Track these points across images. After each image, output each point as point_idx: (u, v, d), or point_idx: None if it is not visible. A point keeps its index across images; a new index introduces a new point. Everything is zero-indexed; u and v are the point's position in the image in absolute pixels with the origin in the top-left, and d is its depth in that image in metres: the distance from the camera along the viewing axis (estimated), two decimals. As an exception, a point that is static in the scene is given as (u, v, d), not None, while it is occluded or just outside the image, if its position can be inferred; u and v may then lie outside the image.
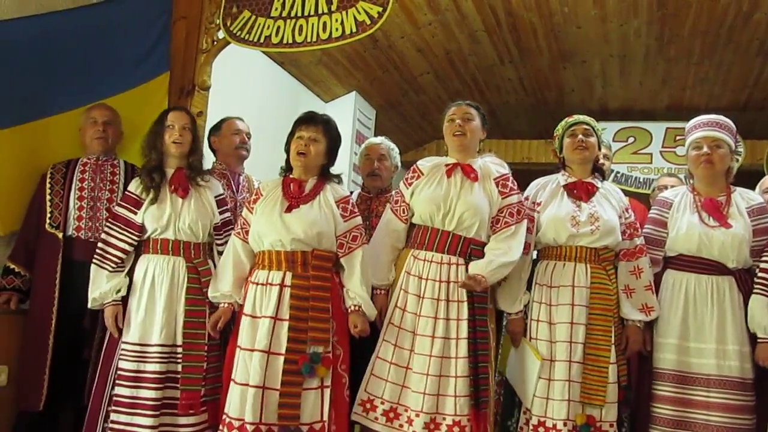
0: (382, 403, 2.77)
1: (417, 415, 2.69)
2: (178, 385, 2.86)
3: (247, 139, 3.65)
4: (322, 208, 2.85)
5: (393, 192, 3.13)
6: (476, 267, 2.80)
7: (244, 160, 3.67)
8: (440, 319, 2.77)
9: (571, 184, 3.04)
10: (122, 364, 2.87)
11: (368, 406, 2.79)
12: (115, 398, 2.85)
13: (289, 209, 2.82)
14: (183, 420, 2.84)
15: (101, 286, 2.94)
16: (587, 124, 3.06)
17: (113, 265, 2.96)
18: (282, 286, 2.73)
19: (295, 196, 2.86)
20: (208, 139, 3.69)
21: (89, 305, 2.97)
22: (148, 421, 2.79)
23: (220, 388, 2.86)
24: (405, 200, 2.97)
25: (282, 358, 2.66)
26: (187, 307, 2.90)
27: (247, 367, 2.67)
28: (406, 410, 2.74)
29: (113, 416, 2.84)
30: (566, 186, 3.04)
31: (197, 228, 2.99)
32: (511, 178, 3.00)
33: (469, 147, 2.99)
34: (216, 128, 3.67)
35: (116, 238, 2.98)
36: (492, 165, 3.00)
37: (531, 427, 2.82)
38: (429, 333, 2.76)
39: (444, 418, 2.70)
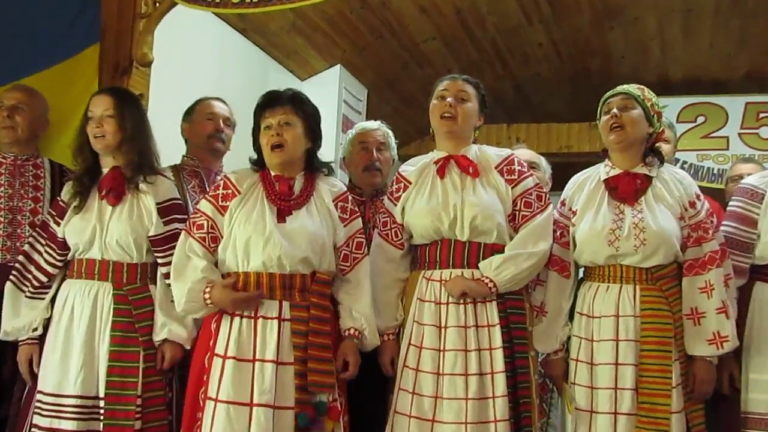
0: None
1: None
2: None
3: (223, 126, 3.69)
4: (320, 213, 2.89)
5: (379, 213, 3.16)
6: (482, 266, 2.86)
7: (219, 154, 3.73)
8: (471, 351, 2.80)
9: (612, 179, 3.00)
10: (36, 420, 2.89)
11: None
12: None
13: (281, 216, 2.83)
14: None
15: (16, 317, 2.99)
16: (627, 93, 2.99)
17: (32, 287, 3.02)
18: (280, 320, 2.75)
19: (284, 199, 2.87)
20: (181, 125, 3.77)
21: (0, 336, 3.02)
22: None
23: None
24: (396, 221, 3.02)
25: (291, 413, 2.67)
26: (112, 347, 2.89)
27: (232, 425, 2.63)
28: None
29: None
30: (606, 182, 3.02)
31: (128, 243, 2.97)
32: (516, 159, 3.05)
33: (461, 135, 3.03)
34: (188, 112, 3.74)
35: (38, 253, 3.04)
36: (490, 150, 3.06)
37: None
38: (461, 371, 2.78)
39: None
